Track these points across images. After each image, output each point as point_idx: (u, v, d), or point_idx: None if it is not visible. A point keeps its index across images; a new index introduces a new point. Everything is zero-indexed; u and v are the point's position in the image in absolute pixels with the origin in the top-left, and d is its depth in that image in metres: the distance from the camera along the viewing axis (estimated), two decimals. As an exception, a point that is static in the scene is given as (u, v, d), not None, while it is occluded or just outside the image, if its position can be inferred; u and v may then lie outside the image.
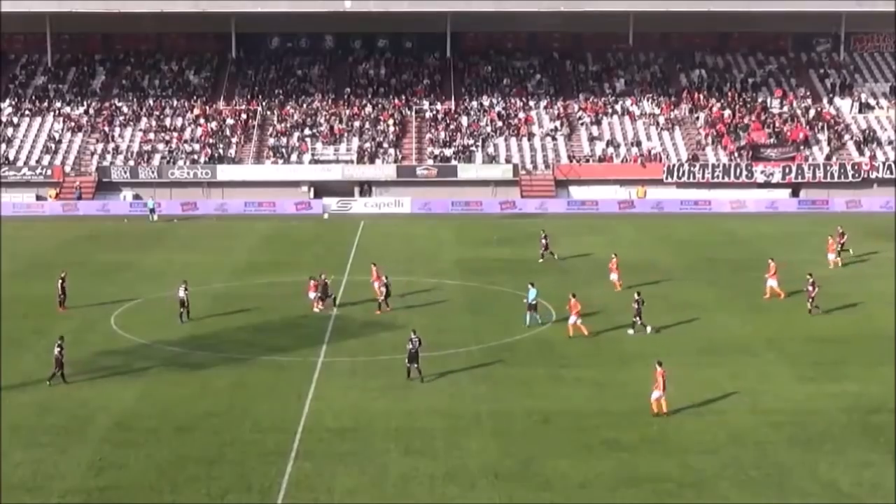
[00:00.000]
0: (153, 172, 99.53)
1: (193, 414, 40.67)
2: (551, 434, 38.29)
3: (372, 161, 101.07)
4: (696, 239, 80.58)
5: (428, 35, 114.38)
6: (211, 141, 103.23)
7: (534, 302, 53.42)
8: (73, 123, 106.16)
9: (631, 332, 52.08)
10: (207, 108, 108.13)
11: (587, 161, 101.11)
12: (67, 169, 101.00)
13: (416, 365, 44.43)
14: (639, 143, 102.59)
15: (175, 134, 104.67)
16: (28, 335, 52.28)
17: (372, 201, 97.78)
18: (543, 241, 71.46)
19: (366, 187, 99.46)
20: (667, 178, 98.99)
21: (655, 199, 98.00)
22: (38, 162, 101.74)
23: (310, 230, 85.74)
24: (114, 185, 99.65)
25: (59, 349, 44.14)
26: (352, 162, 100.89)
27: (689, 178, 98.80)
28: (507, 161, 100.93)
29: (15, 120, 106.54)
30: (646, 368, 45.22)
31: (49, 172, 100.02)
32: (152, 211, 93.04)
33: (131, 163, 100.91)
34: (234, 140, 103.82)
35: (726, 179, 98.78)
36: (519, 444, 37.39)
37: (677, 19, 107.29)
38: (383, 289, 56.94)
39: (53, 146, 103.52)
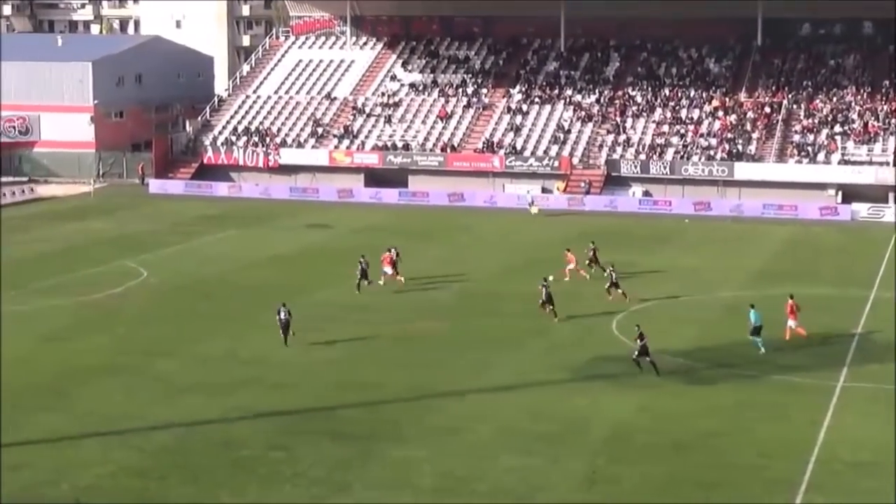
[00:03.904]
0: (665, 168, 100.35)
1: (694, 432, 40.61)
2: None
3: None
4: None
5: None
6: (729, 136, 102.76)
7: (757, 325, 50.78)
8: (583, 113, 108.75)
9: None
10: (727, 99, 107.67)
11: None
12: (575, 161, 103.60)
13: (647, 358, 47.33)
14: None
15: (691, 127, 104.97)
16: (522, 335, 54.05)
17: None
18: (592, 252, 68.31)
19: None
20: None
21: None
22: (545, 152, 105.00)
23: (834, 239, 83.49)
24: (622, 179, 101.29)
25: (286, 313, 51.14)
26: (887, 164, 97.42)
27: None
28: None
29: (524, 107, 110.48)
30: None
31: (556, 164, 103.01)
32: (531, 204, 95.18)
33: (642, 157, 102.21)
34: (754, 135, 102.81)
35: None
36: None
37: None
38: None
39: (562, 136, 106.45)
